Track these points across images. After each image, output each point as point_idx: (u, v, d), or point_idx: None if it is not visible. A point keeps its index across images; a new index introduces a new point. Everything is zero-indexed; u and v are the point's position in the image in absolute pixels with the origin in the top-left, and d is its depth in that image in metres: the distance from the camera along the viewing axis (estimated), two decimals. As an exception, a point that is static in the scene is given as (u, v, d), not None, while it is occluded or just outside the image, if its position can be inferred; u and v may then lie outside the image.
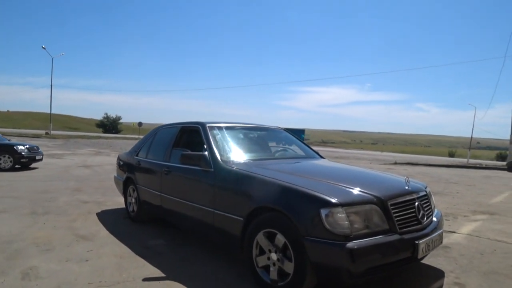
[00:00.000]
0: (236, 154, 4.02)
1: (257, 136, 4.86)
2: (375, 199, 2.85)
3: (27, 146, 11.72)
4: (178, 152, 4.32)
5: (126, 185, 5.72)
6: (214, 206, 3.61)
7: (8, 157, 11.17)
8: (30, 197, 6.81)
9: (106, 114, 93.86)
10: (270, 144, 4.93)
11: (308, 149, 5.05)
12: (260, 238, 3.06)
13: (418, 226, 3.03)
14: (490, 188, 11.29)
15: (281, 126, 5.55)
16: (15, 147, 11.30)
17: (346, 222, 2.64)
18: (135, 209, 5.34)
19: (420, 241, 2.89)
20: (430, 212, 3.35)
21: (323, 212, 2.65)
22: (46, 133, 41.02)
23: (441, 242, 3.31)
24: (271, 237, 3.00)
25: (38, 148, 12.32)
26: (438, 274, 3.58)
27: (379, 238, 2.72)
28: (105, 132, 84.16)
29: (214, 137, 4.10)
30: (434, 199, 3.71)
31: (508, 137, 25.94)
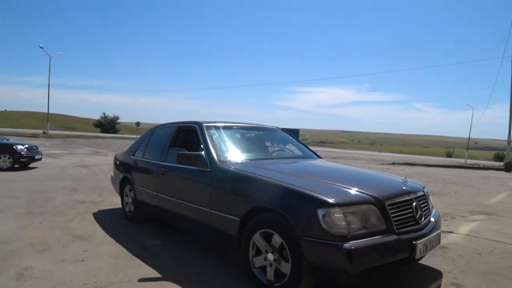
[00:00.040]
0: (233, 154, 4.00)
1: (254, 136, 4.84)
2: (372, 199, 2.83)
3: (27, 146, 11.66)
4: (175, 151, 4.29)
5: (122, 185, 5.69)
6: (210, 206, 3.58)
7: (8, 157, 11.11)
8: (27, 197, 6.78)
9: (104, 114, 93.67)
10: (268, 144, 4.91)
11: (306, 149, 5.03)
12: (257, 238, 3.04)
13: (416, 227, 3.01)
14: (487, 189, 11.30)
15: (278, 126, 5.53)
16: (14, 147, 11.23)
17: (343, 223, 2.62)
18: (132, 209, 5.31)
19: (418, 242, 2.87)
20: (428, 212, 3.34)
21: (320, 212, 2.63)
22: (44, 133, 40.95)
23: (439, 243, 3.29)
24: (267, 238, 2.98)
25: (37, 147, 12.27)
26: (436, 275, 3.56)
27: (376, 239, 2.70)
28: (102, 132, 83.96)
29: (211, 137, 4.08)
30: (432, 199, 3.70)
31: (506, 138, 25.99)
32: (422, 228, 3.07)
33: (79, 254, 3.87)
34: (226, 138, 4.24)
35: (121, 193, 5.74)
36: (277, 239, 2.88)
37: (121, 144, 31.20)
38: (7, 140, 12.45)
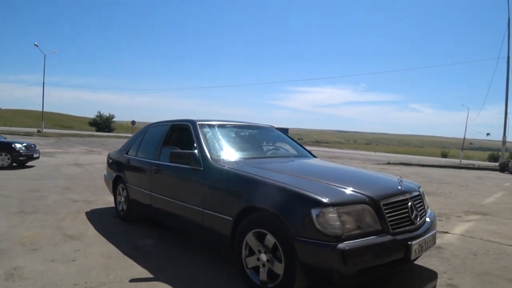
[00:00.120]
0: (226, 152, 3.96)
1: (248, 135, 4.79)
2: (367, 199, 2.79)
3: (25, 144, 11.59)
4: (168, 150, 4.23)
5: (115, 184, 5.63)
6: (203, 206, 3.53)
7: (6, 156, 11.03)
8: (19, 196, 6.70)
9: (99, 112, 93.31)
10: (262, 142, 4.87)
11: (301, 148, 4.99)
12: (250, 238, 3.00)
13: (411, 227, 2.98)
14: (482, 189, 11.31)
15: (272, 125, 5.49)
16: (13, 145, 11.15)
17: (338, 223, 2.58)
18: (125, 208, 5.26)
19: (413, 242, 2.84)
20: (423, 212, 3.31)
21: (314, 212, 2.59)
22: (38, 131, 40.74)
23: (434, 243, 3.26)
24: (260, 238, 2.93)
25: (35, 146, 12.20)
26: (431, 275, 3.53)
27: (371, 239, 2.66)
28: (98, 130, 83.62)
29: (205, 135, 4.03)
30: (427, 199, 3.67)
31: (501, 138, 26.08)
32: (417, 229, 3.04)
33: (70, 253, 3.82)
34: (219, 137, 4.19)
35: (114, 192, 5.68)
36: (270, 239, 2.84)
37: (116, 143, 31.07)
38: (4, 138, 12.36)
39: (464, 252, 4.27)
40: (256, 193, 3.05)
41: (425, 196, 3.62)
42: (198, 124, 4.20)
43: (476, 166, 24.81)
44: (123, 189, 5.34)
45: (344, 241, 2.54)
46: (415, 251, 2.86)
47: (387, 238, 2.74)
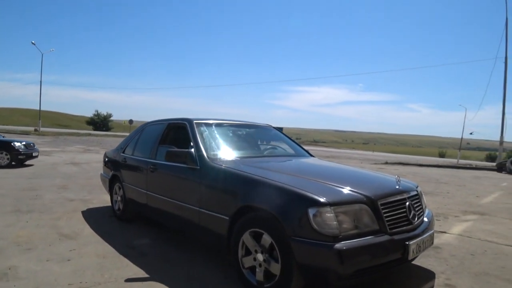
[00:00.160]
0: (223, 151, 3.93)
1: (245, 134, 4.77)
2: (365, 199, 2.77)
3: (24, 143, 11.52)
4: (165, 149, 4.20)
5: (112, 183, 5.60)
6: (199, 205, 3.50)
7: (5, 154, 10.97)
8: (15, 195, 6.65)
9: (97, 111, 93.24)
10: (259, 141, 4.84)
11: (298, 147, 4.97)
12: (246, 238, 2.97)
13: (409, 227, 2.95)
14: (480, 189, 11.30)
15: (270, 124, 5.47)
16: (12, 144, 11.09)
17: (335, 222, 2.55)
18: (121, 207, 5.22)
19: (411, 242, 2.81)
20: (421, 212, 3.29)
21: (311, 211, 2.56)
22: (35, 130, 40.60)
23: (432, 243, 3.24)
24: (257, 237, 2.91)
25: (34, 144, 12.12)
26: (429, 275, 3.51)
27: (368, 239, 2.64)
28: (95, 129, 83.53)
29: (201, 134, 4.00)
30: (425, 199, 3.65)
31: (498, 138, 26.12)
32: (415, 228, 3.01)
33: (65, 253, 3.78)
34: (216, 136, 4.17)
35: (111, 191, 5.64)
36: (266, 239, 2.81)
37: (114, 141, 31.00)
38: (3, 137, 12.29)
39: (462, 252, 4.26)
40: (253, 192, 3.02)
41: (423, 195, 3.60)
42: (195, 122, 4.17)
43: (474, 166, 24.81)
44: (119, 188, 5.31)
45: (341, 241, 2.52)
46: (413, 251, 2.83)
47: (385, 238, 2.71)
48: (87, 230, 4.67)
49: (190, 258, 3.80)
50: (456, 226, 5.64)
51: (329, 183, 2.99)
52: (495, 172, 20.16)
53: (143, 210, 4.71)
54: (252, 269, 2.97)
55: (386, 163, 24.55)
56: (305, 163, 4.22)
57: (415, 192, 3.34)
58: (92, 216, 5.40)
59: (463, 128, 38.89)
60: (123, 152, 5.41)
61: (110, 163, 5.81)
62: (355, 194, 2.81)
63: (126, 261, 3.64)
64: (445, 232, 5.17)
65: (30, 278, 3.14)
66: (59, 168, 11.28)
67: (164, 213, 4.21)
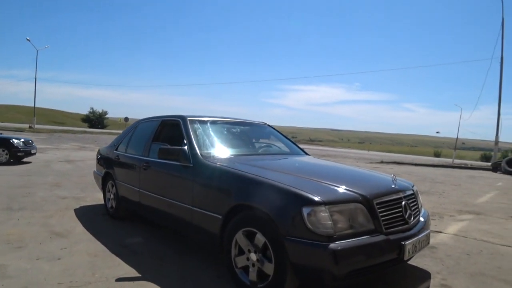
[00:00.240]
0: (217, 149, 3.88)
1: (240, 131, 4.72)
2: (360, 198, 2.72)
3: (23, 140, 11.45)
4: (158, 146, 4.14)
5: (105, 181, 5.53)
6: (192, 203, 3.45)
7: (4, 151, 10.88)
8: (7, 192, 6.57)
9: (92, 108, 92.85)
10: (254, 139, 4.79)
11: (293, 145, 4.92)
12: (239, 237, 2.92)
13: (405, 226, 2.91)
14: (475, 188, 11.30)
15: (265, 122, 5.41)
16: (11, 141, 11.00)
17: (329, 222, 2.50)
18: (114, 205, 5.16)
19: (407, 242, 2.77)
20: (417, 211, 3.24)
21: (305, 210, 2.51)
22: (30, 127, 40.37)
23: (428, 243, 3.20)
24: (250, 237, 2.85)
25: (32, 141, 12.06)
26: (425, 276, 3.47)
27: (364, 239, 2.59)
28: (91, 127, 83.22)
29: (195, 131, 3.95)
30: (420, 198, 3.61)
31: (493, 138, 26.18)
32: (411, 228, 2.97)
33: (56, 251, 3.72)
34: (210, 133, 4.11)
35: (104, 188, 5.58)
36: (260, 239, 2.76)
37: (109, 139, 30.84)
38: (0, 133, 12.20)
39: (457, 252, 4.23)
40: (246, 191, 2.97)
41: (419, 195, 3.56)
42: (189, 120, 4.11)
43: (469, 166, 24.87)
44: (112, 186, 5.25)
45: (336, 241, 2.47)
46: (409, 252, 2.79)
47: (380, 238, 2.67)
48: (79, 228, 4.61)
49: (183, 257, 3.75)
50: (452, 225, 5.62)
51: (324, 181, 2.95)
52: (490, 172, 20.20)
53: (136, 208, 4.65)
54: (245, 269, 2.92)
55: (382, 162, 24.58)
56: (300, 161, 4.18)
57: (411, 192, 3.30)
58: (85, 214, 5.34)
59: (459, 128, 38.99)
60: (116, 150, 5.35)
61: (103, 160, 5.75)
62: (350, 193, 2.77)
63: (117, 260, 3.58)
64: (440, 232, 5.14)
65: (20, 277, 3.08)
66: (53, 165, 11.18)
67: (157, 211, 4.15)
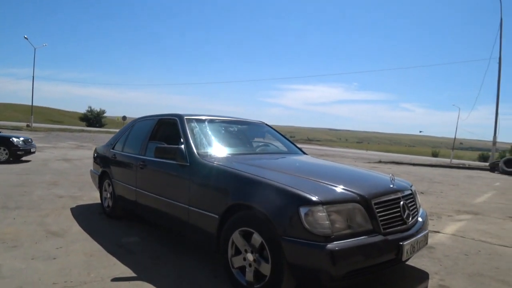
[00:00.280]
0: (214, 148, 3.86)
1: (237, 130, 4.69)
2: (358, 198, 2.70)
3: (22, 139, 11.44)
4: (154, 145, 4.11)
5: (101, 179, 5.50)
6: (189, 203, 3.42)
7: (4, 150, 10.85)
8: (4, 191, 6.54)
9: (90, 107, 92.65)
10: (251, 138, 4.77)
11: (291, 144, 4.90)
12: (236, 237, 2.89)
13: (403, 227, 2.89)
14: (473, 188, 11.30)
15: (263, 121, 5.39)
16: (11, 139, 10.97)
17: (327, 222, 2.47)
18: (111, 204, 5.13)
19: (405, 243, 2.75)
20: (415, 211, 3.22)
21: (303, 210, 2.49)
22: (27, 126, 40.23)
23: (427, 243, 3.18)
24: (247, 237, 2.83)
25: (31, 140, 12.05)
26: (423, 276, 3.45)
27: (361, 239, 2.57)
28: (88, 125, 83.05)
29: (192, 130, 3.92)
30: (419, 198, 3.59)
31: (490, 139, 26.20)
32: (409, 228, 2.95)
33: (51, 251, 3.69)
34: (207, 132, 4.09)
35: (100, 187, 5.55)
36: (257, 238, 2.73)
37: (107, 138, 30.68)
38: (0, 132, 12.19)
39: (455, 252, 4.21)
40: (243, 190, 2.95)
41: (417, 195, 3.54)
42: (186, 118, 4.08)
43: (467, 166, 24.90)
44: (109, 185, 5.22)
45: (334, 241, 2.44)
46: (407, 252, 2.77)
47: (378, 238, 2.65)
48: (75, 227, 4.57)
49: (180, 257, 3.73)
50: (450, 225, 5.60)
51: (322, 181, 2.92)
52: (488, 172, 20.22)
53: (133, 208, 4.62)
54: (242, 269, 2.89)
55: (380, 162, 24.58)
56: (298, 160, 4.15)
57: (409, 191, 3.28)
58: (81, 213, 5.31)
59: (456, 128, 39.07)
60: (113, 148, 5.31)
61: (99, 159, 5.72)
62: (348, 192, 2.74)
63: (114, 259, 3.55)
64: (438, 232, 5.12)
65: (14, 277, 3.04)
66: (50, 164, 11.16)
67: (153, 210, 4.13)
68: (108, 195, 5.22)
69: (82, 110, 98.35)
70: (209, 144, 3.89)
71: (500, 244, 4.69)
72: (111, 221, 5.01)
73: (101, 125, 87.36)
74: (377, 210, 2.74)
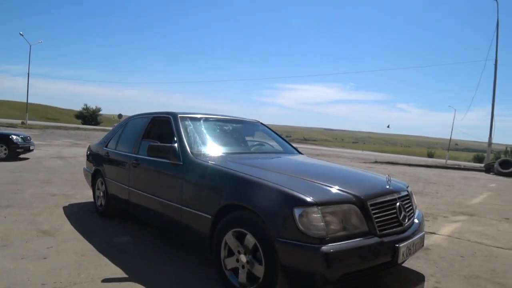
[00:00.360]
0: (208, 147, 3.80)
1: (232, 129, 4.63)
2: (354, 199, 2.65)
3: (22, 136, 11.35)
4: (148, 143, 4.06)
5: (94, 178, 5.44)
6: (182, 202, 3.36)
7: (3, 147, 10.74)
8: (-5, 189, 6.45)
9: (86, 105, 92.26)
10: (247, 138, 4.72)
11: (286, 144, 4.86)
12: (229, 238, 2.83)
13: (399, 228, 2.85)
14: (468, 189, 11.30)
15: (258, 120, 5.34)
16: (10, 137, 10.87)
17: (322, 223, 2.43)
18: (103, 203, 5.06)
19: (401, 245, 2.71)
20: (411, 213, 3.18)
21: (297, 211, 2.43)
22: (22, 123, 40.00)
23: (423, 245, 3.15)
24: (240, 238, 2.77)
25: (30, 138, 11.94)
26: (418, 278, 3.42)
27: (357, 241, 2.52)
28: (84, 123, 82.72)
29: (185, 129, 3.86)
30: (415, 199, 3.55)
31: (486, 140, 26.24)
32: (405, 230, 2.91)
33: (42, 250, 3.63)
34: (201, 130, 4.04)
35: (93, 186, 5.48)
36: (250, 240, 2.68)
37: (102, 136, 30.58)
38: None
39: (451, 254, 4.18)
40: (237, 190, 2.90)
41: (413, 196, 3.50)
42: (179, 116, 4.02)
43: (462, 167, 24.93)
44: (102, 183, 5.15)
45: (328, 243, 2.40)
46: (403, 254, 2.73)
47: (374, 240, 2.60)
48: (67, 226, 4.51)
49: (172, 257, 3.67)
50: (445, 227, 5.58)
51: (317, 181, 2.87)
52: (483, 173, 20.25)
53: (125, 206, 4.56)
54: (235, 270, 2.84)
55: (376, 162, 24.59)
56: (293, 160, 4.11)
57: (405, 193, 3.24)
58: (74, 212, 5.23)
59: (452, 129, 39.14)
60: (106, 146, 5.25)
61: (92, 157, 5.65)
62: (344, 193, 2.70)
63: (105, 259, 3.49)
64: (434, 233, 5.10)
65: (2, 277, 2.99)
66: (44, 162, 11.05)
67: (146, 209, 4.07)
68: (101, 193, 5.16)
69: (78, 107, 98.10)
70: (203, 143, 3.84)
71: (496, 246, 4.66)
72: (104, 220, 4.95)
73: (96, 123, 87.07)
74: (373, 212, 2.69)
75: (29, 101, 43.35)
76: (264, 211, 2.59)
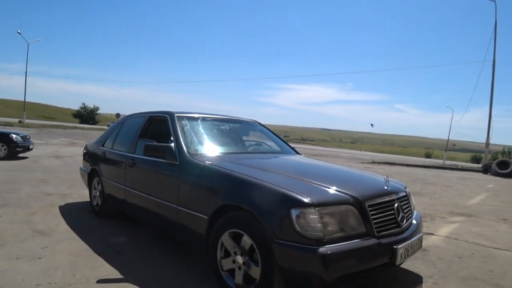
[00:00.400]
0: (205, 146, 3.77)
1: (229, 129, 4.60)
2: (351, 199, 2.62)
3: (21, 135, 11.30)
4: (144, 143, 4.02)
5: (91, 177, 5.40)
6: (178, 202, 3.33)
7: (3, 146, 10.70)
8: (-10, 188, 6.41)
9: (84, 104, 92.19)
10: (244, 137, 4.69)
11: (284, 144, 4.83)
12: (225, 239, 2.80)
13: (397, 230, 2.82)
14: (466, 190, 11.29)
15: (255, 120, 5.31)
16: (10, 136, 10.82)
17: (319, 224, 2.40)
18: (100, 203, 5.03)
19: (399, 246, 2.68)
20: (409, 214, 3.16)
21: (294, 212, 2.41)
22: (19, 122, 39.89)
23: (421, 247, 3.12)
24: (237, 239, 2.74)
25: (29, 137, 11.90)
26: (416, 280, 3.39)
27: (355, 243, 2.49)
28: (82, 122, 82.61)
29: (182, 128, 3.83)
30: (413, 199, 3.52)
31: (483, 140, 26.28)
32: (403, 231, 2.89)
33: (37, 251, 3.59)
34: (198, 130, 4.00)
35: (89, 185, 5.45)
36: (246, 241, 2.65)
37: (99, 135, 30.57)
38: None
39: (449, 255, 4.16)
40: (234, 190, 2.87)
41: (411, 196, 3.47)
42: (176, 116, 3.99)
43: (460, 167, 24.96)
44: (98, 183, 5.12)
45: (326, 245, 2.37)
46: (401, 256, 2.70)
47: (372, 241, 2.58)
48: (63, 226, 4.47)
49: (168, 258, 3.64)
50: (443, 227, 5.56)
51: (314, 182, 2.84)
52: (480, 174, 20.27)
53: (121, 206, 4.53)
54: (231, 271, 2.81)
55: (373, 162, 24.59)
56: (291, 160, 4.08)
57: (403, 193, 3.21)
58: (70, 212, 5.19)
59: (450, 129, 39.20)
60: (103, 146, 5.22)
61: (89, 156, 5.62)
62: (341, 194, 2.67)
63: (100, 260, 3.46)
64: (432, 234, 5.08)
65: (-4, 278, 2.95)
66: (41, 161, 11.00)
67: (142, 209, 4.04)
68: (97, 193, 5.12)
69: (76, 106, 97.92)
70: (200, 142, 3.81)
71: (494, 247, 4.64)
72: (100, 220, 4.91)
73: (94, 122, 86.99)
74: (371, 213, 2.67)
75: (26, 100, 43.24)
76: (261, 211, 2.56)
